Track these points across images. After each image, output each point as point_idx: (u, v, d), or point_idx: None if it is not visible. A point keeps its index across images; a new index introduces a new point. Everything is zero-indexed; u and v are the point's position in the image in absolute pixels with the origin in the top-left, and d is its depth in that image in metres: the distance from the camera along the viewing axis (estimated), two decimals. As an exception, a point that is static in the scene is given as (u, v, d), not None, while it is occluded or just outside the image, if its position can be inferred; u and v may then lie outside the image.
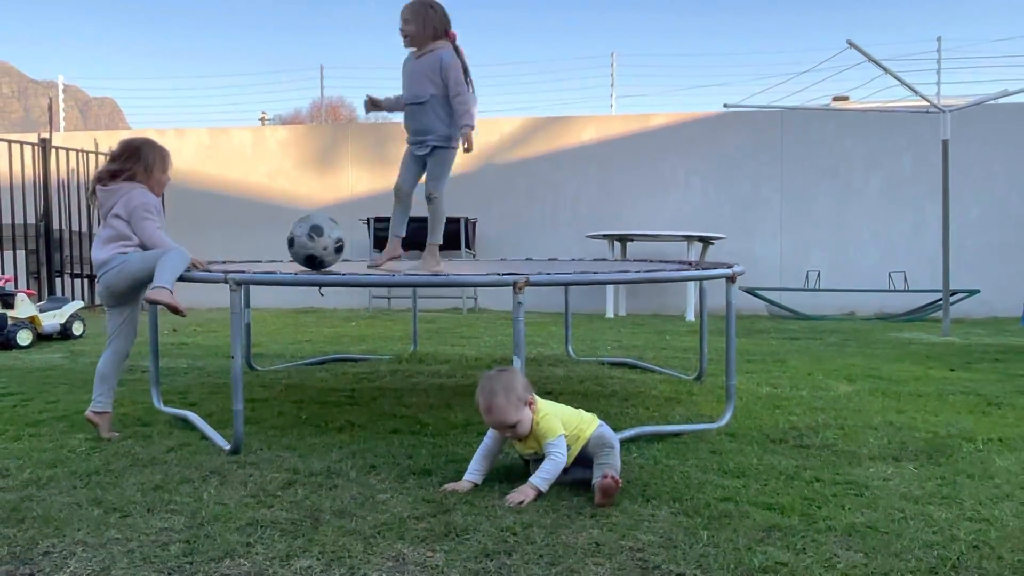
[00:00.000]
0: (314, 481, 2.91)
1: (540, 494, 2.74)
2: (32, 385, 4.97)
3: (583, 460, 2.86)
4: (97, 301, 10.05)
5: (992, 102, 8.83)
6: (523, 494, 2.71)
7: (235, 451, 3.29)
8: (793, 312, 9.68)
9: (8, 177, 9.12)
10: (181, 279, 3.57)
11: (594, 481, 2.74)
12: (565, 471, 2.85)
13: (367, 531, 2.42)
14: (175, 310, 3.44)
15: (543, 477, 2.77)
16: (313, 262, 3.71)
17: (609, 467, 2.75)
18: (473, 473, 2.88)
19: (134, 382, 4.97)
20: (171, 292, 3.43)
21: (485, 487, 2.84)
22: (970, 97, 8.79)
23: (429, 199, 4.19)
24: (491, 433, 2.94)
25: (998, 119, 9.94)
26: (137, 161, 3.65)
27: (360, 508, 2.63)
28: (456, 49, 4.05)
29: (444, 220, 4.32)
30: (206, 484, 2.88)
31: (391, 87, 13.69)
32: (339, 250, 3.73)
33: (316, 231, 3.64)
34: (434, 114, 4.02)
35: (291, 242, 3.70)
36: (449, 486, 2.83)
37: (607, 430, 2.95)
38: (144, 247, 3.61)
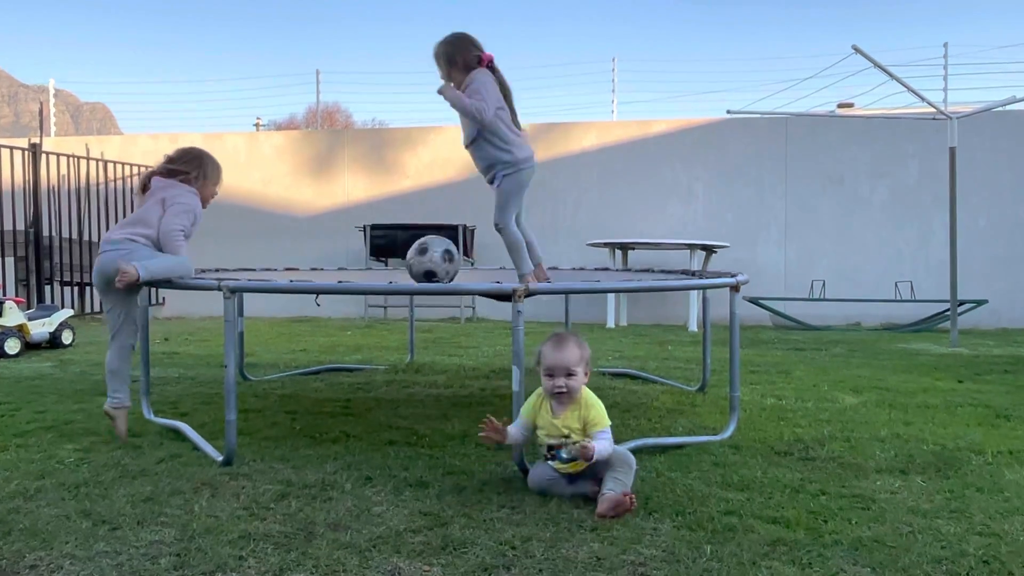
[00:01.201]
0: (308, 493, 2.88)
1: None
2: (20, 395, 4.92)
3: (592, 472, 2.82)
4: (86, 310, 10.01)
5: (1000, 109, 8.78)
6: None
7: (227, 462, 3.25)
8: (798, 322, 9.62)
9: None
10: (173, 286, 3.57)
11: (604, 492, 2.70)
12: (572, 481, 2.84)
13: (362, 544, 2.39)
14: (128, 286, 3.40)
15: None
16: (431, 277, 3.72)
17: (623, 484, 2.73)
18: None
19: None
20: (139, 278, 3.39)
21: (483, 499, 2.81)
22: (977, 104, 8.75)
23: (497, 230, 3.97)
24: (521, 421, 2.99)
25: (1006, 126, 9.89)
26: (197, 168, 3.74)
27: (355, 521, 2.60)
28: (493, 70, 3.79)
29: (522, 249, 3.95)
30: (197, 496, 2.85)
31: (388, 92, 13.66)
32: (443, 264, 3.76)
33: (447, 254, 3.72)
34: (488, 145, 3.80)
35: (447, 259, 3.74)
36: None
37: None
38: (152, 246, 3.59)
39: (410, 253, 3.77)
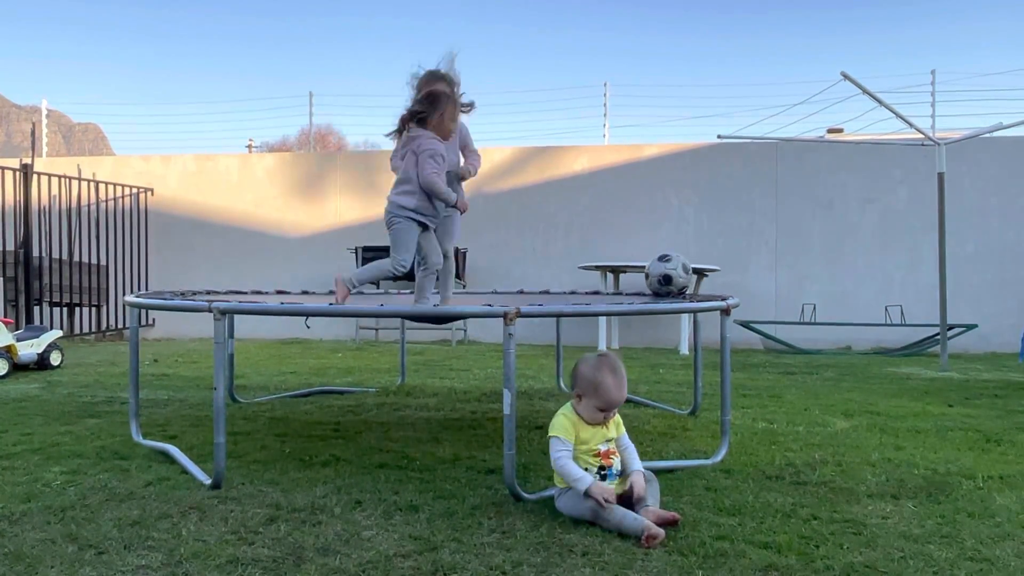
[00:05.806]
0: (297, 517, 2.85)
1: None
2: (7, 416, 4.87)
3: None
4: (75, 332, 9.94)
5: (987, 135, 8.85)
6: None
7: (216, 486, 3.22)
8: (789, 346, 9.63)
9: None
10: (165, 309, 3.61)
11: (648, 504, 2.79)
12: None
13: (352, 569, 2.37)
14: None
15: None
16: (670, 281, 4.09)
17: (656, 500, 2.85)
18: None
19: (112, 414, 4.90)
20: (348, 290, 3.74)
21: (474, 524, 2.78)
22: (965, 130, 8.81)
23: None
24: (570, 448, 2.90)
25: (993, 152, 9.96)
26: (431, 107, 3.90)
27: (344, 545, 2.57)
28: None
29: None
30: (185, 520, 2.82)
31: (381, 114, 13.65)
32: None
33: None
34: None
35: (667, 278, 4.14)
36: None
37: None
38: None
39: (651, 261, 4.22)
